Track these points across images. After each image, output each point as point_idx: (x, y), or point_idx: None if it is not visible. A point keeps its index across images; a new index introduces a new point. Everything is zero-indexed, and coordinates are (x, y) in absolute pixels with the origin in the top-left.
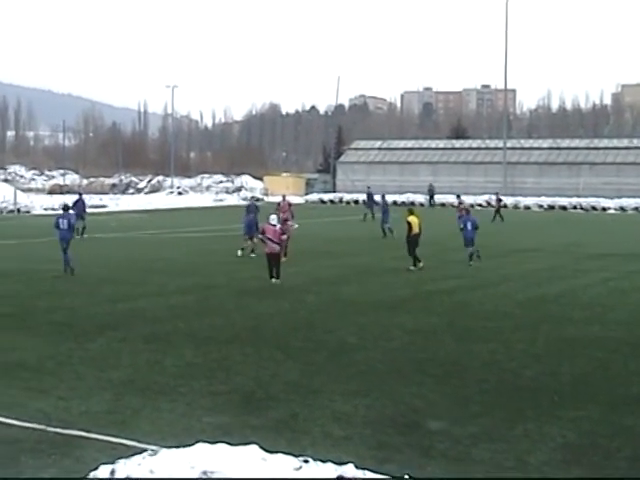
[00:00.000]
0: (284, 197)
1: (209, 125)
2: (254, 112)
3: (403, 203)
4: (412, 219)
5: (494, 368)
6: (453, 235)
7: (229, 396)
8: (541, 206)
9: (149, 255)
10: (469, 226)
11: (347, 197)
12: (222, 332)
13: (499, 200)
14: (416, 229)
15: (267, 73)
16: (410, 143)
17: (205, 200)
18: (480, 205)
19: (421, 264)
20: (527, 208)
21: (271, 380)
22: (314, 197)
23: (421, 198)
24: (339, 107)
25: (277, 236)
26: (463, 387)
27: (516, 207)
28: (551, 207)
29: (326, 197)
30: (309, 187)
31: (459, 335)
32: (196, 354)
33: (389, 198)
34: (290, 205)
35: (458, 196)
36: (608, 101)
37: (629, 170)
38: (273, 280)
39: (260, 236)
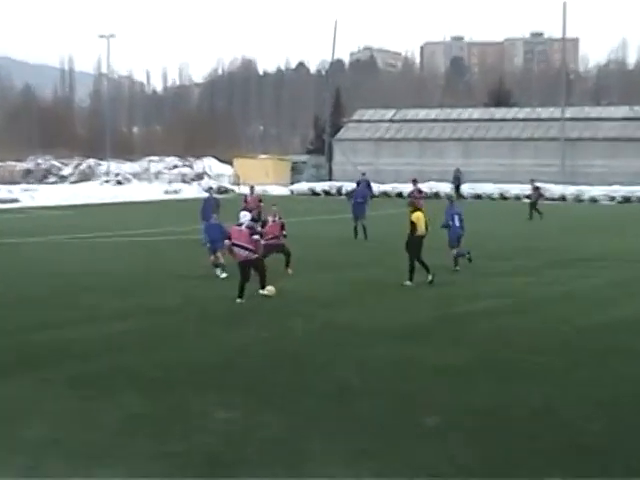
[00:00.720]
0: (252, 189)
1: (158, 89)
2: (220, 71)
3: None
4: (418, 216)
5: (548, 420)
6: (487, 238)
7: (187, 459)
8: (613, 198)
9: (77, 267)
10: (457, 221)
11: (348, 187)
12: (177, 372)
13: (536, 189)
14: (422, 229)
15: (238, 18)
16: (433, 113)
17: (154, 192)
18: (528, 197)
19: (430, 277)
20: (594, 201)
21: (244, 437)
22: (303, 187)
23: (449, 187)
24: (337, 64)
25: (245, 239)
26: (505, 446)
27: (578, 199)
28: (626, 199)
29: (319, 187)
30: (296, 173)
31: (499, 374)
32: (142, 402)
33: (398, 187)
34: (260, 201)
35: (414, 181)
36: None
37: None
38: (238, 300)
39: (227, 242)
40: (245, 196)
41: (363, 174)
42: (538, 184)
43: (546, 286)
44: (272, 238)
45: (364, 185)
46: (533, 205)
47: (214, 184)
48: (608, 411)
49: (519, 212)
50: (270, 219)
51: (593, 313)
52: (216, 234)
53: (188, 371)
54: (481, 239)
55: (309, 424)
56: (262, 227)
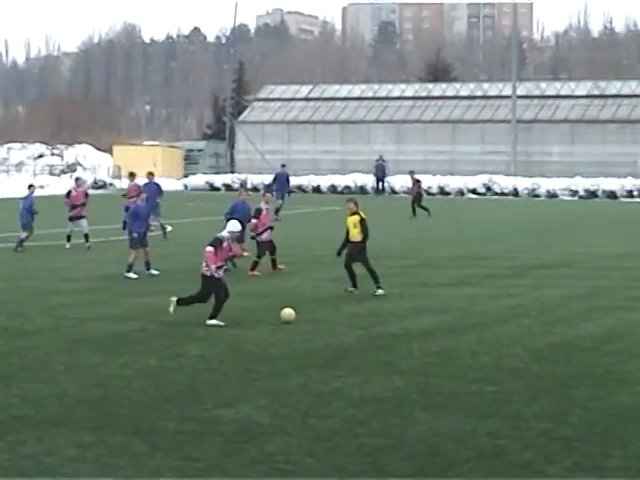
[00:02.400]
0: (133, 176)
1: (19, 61)
2: (96, 39)
3: (347, 189)
4: (350, 220)
5: (499, 463)
6: (424, 242)
7: None
8: (575, 193)
9: None
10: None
11: (253, 179)
12: (42, 409)
13: (417, 182)
14: (353, 235)
15: None
16: (358, 89)
17: (14, 186)
18: (474, 192)
19: (351, 289)
20: (552, 196)
21: None
22: (199, 180)
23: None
24: (240, 30)
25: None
26: None
27: (534, 194)
28: (592, 194)
29: (219, 180)
30: (190, 164)
31: (438, 407)
32: None
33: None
34: (139, 187)
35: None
36: None
37: None
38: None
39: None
40: (69, 191)
41: (283, 165)
42: (418, 176)
43: (494, 299)
44: (266, 229)
45: (283, 179)
46: (416, 201)
47: (89, 177)
48: (574, 450)
49: (464, 210)
50: (264, 206)
51: (551, 332)
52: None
53: (58, 408)
54: (417, 243)
55: (208, 471)
56: (256, 217)
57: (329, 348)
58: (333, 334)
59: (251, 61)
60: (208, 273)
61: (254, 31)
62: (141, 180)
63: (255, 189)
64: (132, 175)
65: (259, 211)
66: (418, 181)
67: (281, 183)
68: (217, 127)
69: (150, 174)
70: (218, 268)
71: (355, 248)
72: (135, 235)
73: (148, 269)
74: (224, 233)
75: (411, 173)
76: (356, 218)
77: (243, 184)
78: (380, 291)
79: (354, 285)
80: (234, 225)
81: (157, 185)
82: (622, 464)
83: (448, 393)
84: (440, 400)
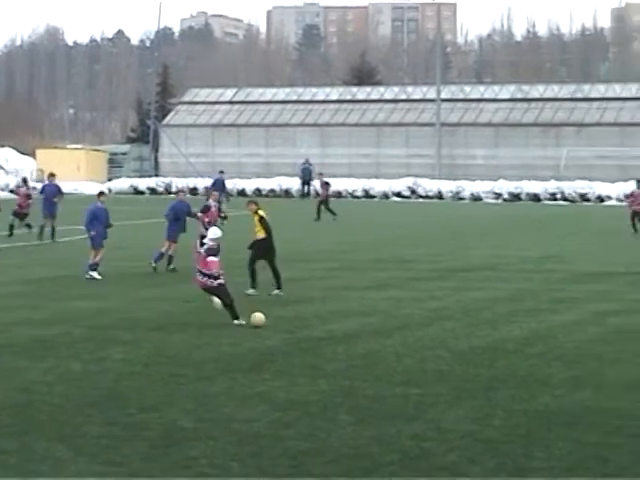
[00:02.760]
0: (53, 176)
1: None
2: (19, 42)
3: (272, 192)
4: (254, 219)
5: (423, 465)
6: (349, 244)
7: None
8: (498, 195)
9: None
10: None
11: (178, 183)
12: None
13: (325, 184)
14: (259, 233)
15: None
16: (283, 93)
17: None
18: (399, 195)
19: (277, 291)
20: (476, 199)
21: None
22: (123, 184)
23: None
24: (164, 33)
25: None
26: None
27: (458, 197)
28: (515, 197)
29: (143, 184)
30: (114, 167)
31: (362, 410)
32: None
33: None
34: (28, 195)
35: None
36: (605, 24)
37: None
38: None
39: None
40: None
41: (221, 172)
42: (327, 179)
43: (418, 302)
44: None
45: (220, 184)
46: (323, 203)
47: (12, 180)
48: (497, 451)
49: (388, 213)
50: (212, 204)
51: (475, 334)
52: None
53: None
54: (341, 246)
55: (131, 476)
56: (203, 212)
57: (255, 352)
58: (259, 338)
59: (175, 64)
60: (221, 280)
61: (178, 34)
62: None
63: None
64: (52, 175)
65: (207, 207)
66: (327, 184)
67: (219, 188)
68: (141, 131)
69: (51, 175)
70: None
71: (260, 246)
72: (93, 234)
73: (94, 270)
74: (209, 241)
75: (320, 176)
76: (256, 217)
77: (182, 189)
78: (277, 291)
79: (253, 286)
80: (214, 232)
81: (57, 186)
82: (545, 465)
83: (373, 396)
84: (365, 403)
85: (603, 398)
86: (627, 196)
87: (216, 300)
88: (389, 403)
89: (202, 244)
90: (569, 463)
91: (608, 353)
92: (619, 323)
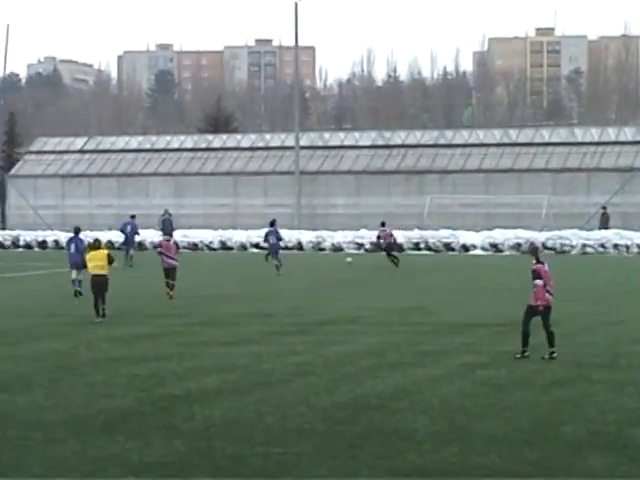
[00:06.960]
0: None
1: None
2: None
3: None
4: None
5: None
6: (205, 298)
7: None
8: (360, 245)
9: None
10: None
11: (26, 236)
12: None
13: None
14: (96, 268)
15: None
16: (135, 141)
17: None
18: (257, 246)
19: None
20: (338, 249)
21: None
22: None
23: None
24: (10, 79)
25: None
26: None
27: (319, 248)
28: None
29: None
30: None
31: (223, 471)
32: None
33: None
34: None
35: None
36: (468, 66)
37: (504, 181)
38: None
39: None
40: None
41: (132, 217)
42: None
43: (279, 357)
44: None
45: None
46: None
47: None
48: None
49: (246, 265)
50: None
51: (337, 389)
52: None
53: None
54: (199, 300)
55: None
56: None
57: (107, 412)
58: (111, 397)
59: (23, 112)
60: None
61: (25, 80)
62: None
63: (28, 246)
64: None
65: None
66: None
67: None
68: None
69: None
70: None
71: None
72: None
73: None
74: None
75: (166, 213)
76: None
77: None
78: (99, 319)
79: (100, 314)
80: None
81: None
82: None
83: (232, 456)
84: (224, 463)
85: (471, 453)
86: (378, 237)
87: None
88: (250, 463)
89: None
90: None
91: (475, 407)
92: (485, 376)
